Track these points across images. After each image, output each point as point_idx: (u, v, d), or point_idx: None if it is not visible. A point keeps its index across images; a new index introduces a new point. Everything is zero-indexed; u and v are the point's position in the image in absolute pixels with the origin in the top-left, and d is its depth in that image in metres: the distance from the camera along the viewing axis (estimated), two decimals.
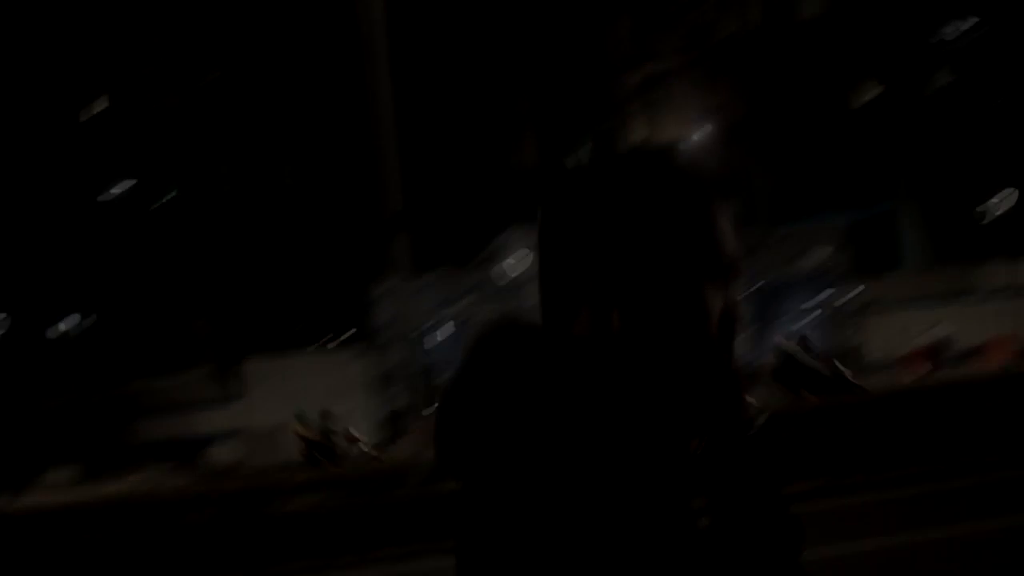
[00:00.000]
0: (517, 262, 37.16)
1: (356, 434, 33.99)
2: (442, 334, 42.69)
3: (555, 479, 1.62)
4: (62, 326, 47.56)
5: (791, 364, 31.11)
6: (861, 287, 39.54)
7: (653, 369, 1.67)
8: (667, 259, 1.69)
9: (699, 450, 1.66)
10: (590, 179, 1.78)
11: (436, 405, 1.77)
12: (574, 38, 54.29)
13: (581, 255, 1.72)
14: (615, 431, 1.63)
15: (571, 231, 1.74)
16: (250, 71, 50.63)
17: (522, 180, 51.67)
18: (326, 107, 49.79)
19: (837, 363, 31.59)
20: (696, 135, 50.23)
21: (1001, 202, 39.26)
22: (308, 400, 36.80)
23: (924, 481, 16.70)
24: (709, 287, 1.71)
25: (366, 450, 33.16)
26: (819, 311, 42.44)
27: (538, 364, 1.69)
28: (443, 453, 1.74)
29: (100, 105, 51.74)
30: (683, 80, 55.51)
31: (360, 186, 45.50)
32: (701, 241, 1.72)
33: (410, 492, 22.94)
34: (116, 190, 49.51)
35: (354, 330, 45.15)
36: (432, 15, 49.99)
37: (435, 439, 1.75)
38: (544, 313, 1.77)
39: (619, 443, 1.63)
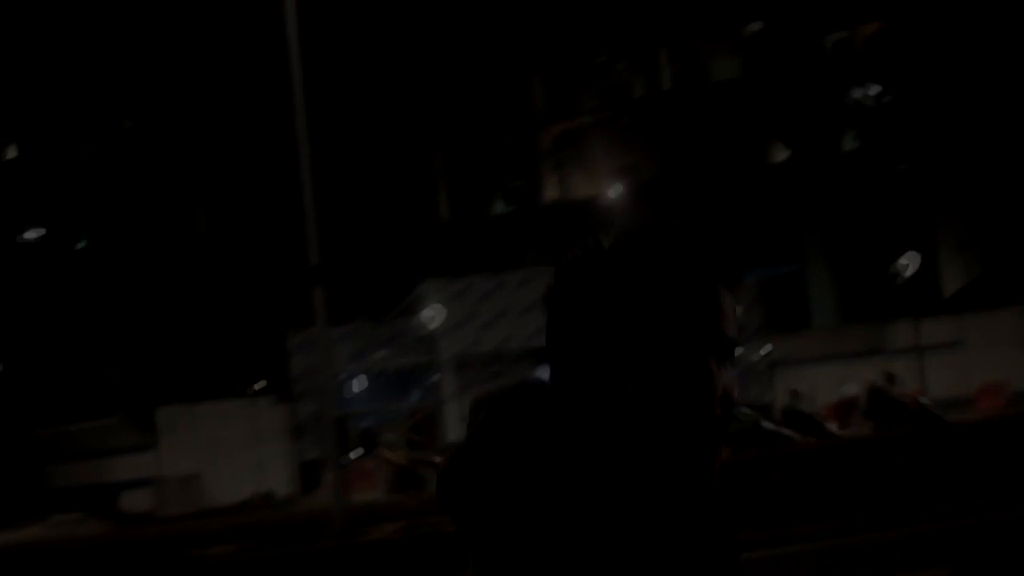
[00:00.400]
0: (432, 314, 37.28)
1: None
2: (357, 385, 42.65)
3: (565, 531, 1.73)
4: None
5: (880, 399, 33.17)
6: (771, 345, 40.13)
7: (663, 435, 1.79)
8: (679, 337, 1.81)
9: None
10: (606, 260, 1.87)
11: (449, 461, 1.86)
12: (488, 96, 54.76)
13: (599, 329, 1.82)
14: (626, 490, 1.75)
15: (587, 308, 1.84)
16: (167, 122, 50.45)
17: (436, 234, 51.90)
18: (243, 159, 49.72)
19: (920, 397, 33.78)
20: (608, 193, 50.77)
21: (907, 264, 40.17)
22: (221, 448, 36.52)
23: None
24: (714, 363, 1.83)
25: None
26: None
27: (552, 427, 1.80)
28: (457, 506, 1.83)
29: (10, 153, 51.30)
30: (595, 139, 56.19)
31: (278, 238, 45.44)
32: (709, 321, 1.83)
33: (327, 541, 22.91)
34: (27, 237, 48.99)
35: (265, 380, 44.92)
36: (350, 72, 50.19)
37: (450, 493, 1.84)
38: (559, 381, 1.87)
39: (629, 499, 1.75)
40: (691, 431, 1.81)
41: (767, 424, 33.30)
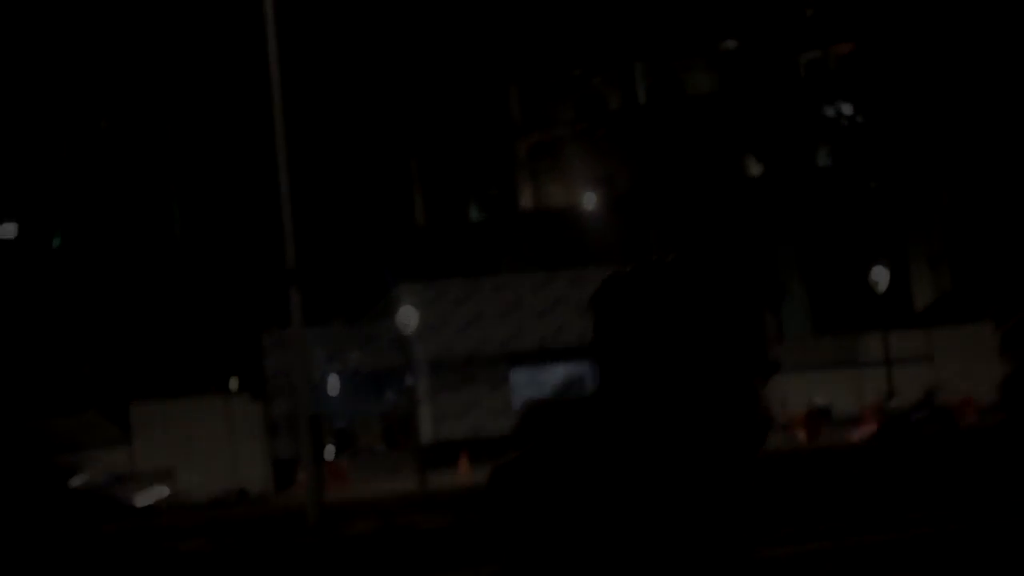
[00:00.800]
0: (407, 317, 37.43)
1: None
2: (332, 385, 42.79)
3: (611, 532, 1.82)
4: None
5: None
6: None
7: (709, 448, 1.88)
8: (732, 356, 1.89)
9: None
10: (669, 275, 1.92)
11: (503, 466, 1.93)
12: (466, 105, 54.99)
13: (656, 342, 1.88)
14: (669, 496, 1.85)
15: (644, 320, 1.90)
16: (144, 123, 50.45)
17: (412, 239, 52.08)
18: (221, 161, 49.77)
19: None
20: (582, 203, 51.08)
21: (878, 278, 40.58)
22: (194, 445, 36.56)
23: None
24: (759, 383, 1.92)
25: None
26: None
27: (601, 435, 1.89)
28: (509, 510, 1.90)
29: None
30: (571, 150, 56.50)
31: (255, 239, 45.52)
32: (757, 343, 1.92)
33: (302, 537, 23.03)
34: (1, 235, 48.88)
35: (240, 379, 44.98)
36: (329, 78, 50.34)
37: (503, 497, 1.90)
38: (608, 386, 1.94)
39: (671, 504, 1.85)
40: (735, 444, 1.90)
41: None
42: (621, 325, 1.91)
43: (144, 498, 32.40)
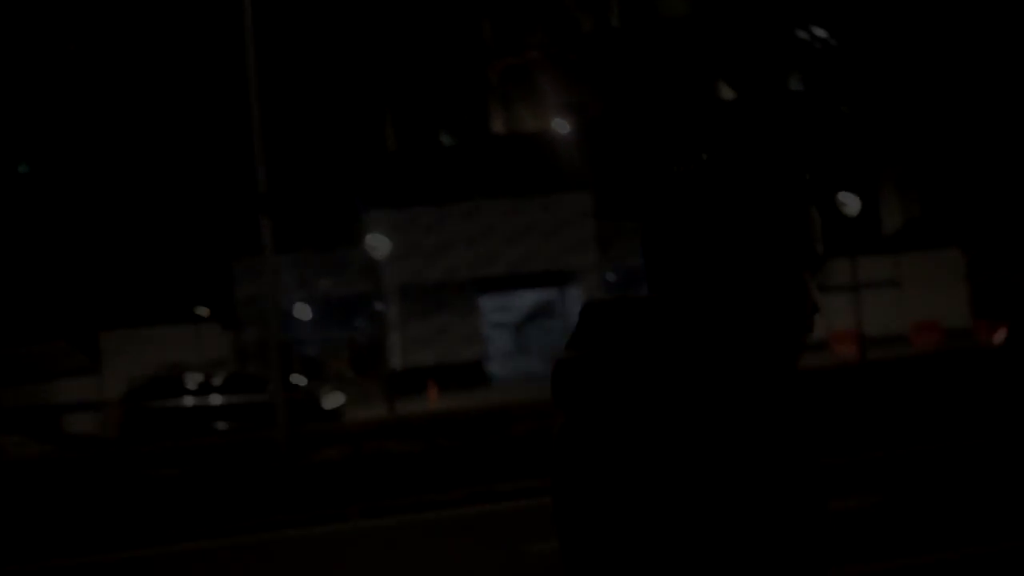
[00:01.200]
0: (377, 244, 37.39)
1: None
2: (302, 312, 42.85)
3: (667, 427, 1.82)
4: None
5: None
6: None
7: (761, 341, 1.91)
8: (779, 250, 1.92)
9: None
10: (711, 175, 1.96)
11: (564, 360, 1.95)
12: (437, 29, 54.64)
13: (702, 242, 1.92)
14: (722, 389, 1.85)
15: (690, 222, 1.93)
16: (115, 47, 50.03)
17: (382, 165, 51.90)
18: (191, 88, 49.43)
19: None
20: (554, 128, 50.93)
21: (846, 204, 40.67)
22: None
23: None
24: (808, 276, 1.95)
25: None
26: None
27: (657, 333, 1.91)
28: (570, 396, 1.93)
29: None
30: (543, 74, 56.25)
31: (225, 166, 45.35)
32: (804, 236, 1.95)
33: (274, 463, 23.18)
34: None
35: (210, 307, 44.97)
36: (300, 3, 49.94)
37: (564, 389, 1.93)
38: (660, 290, 1.97)
39: (724, 399, 1.85)
40: (787, 337, 1.93)
41: None
42: (669, 225, 1.95)
43: (330, 402, 33.39)
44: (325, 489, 18.67)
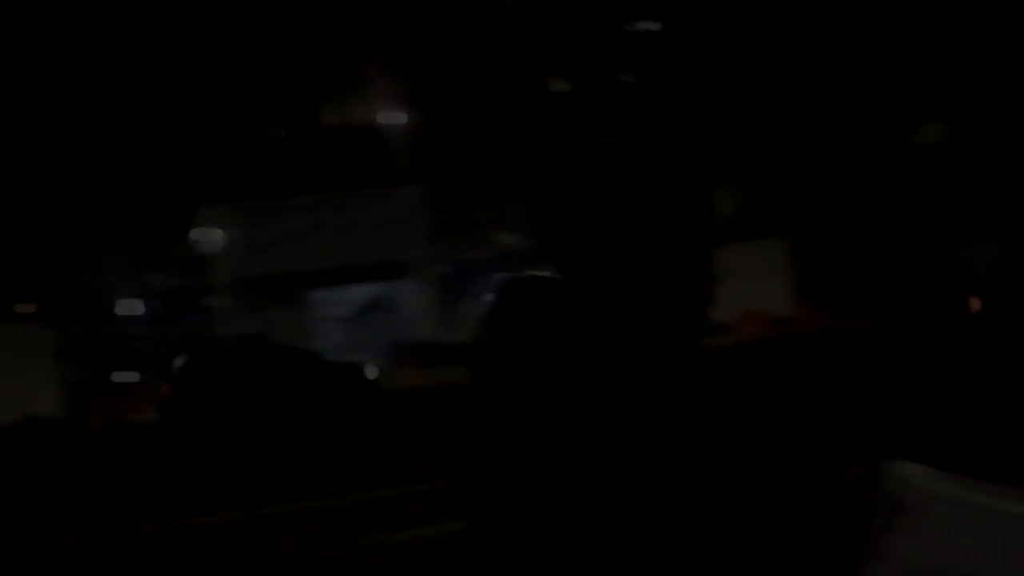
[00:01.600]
0: (208, 238, 36.93)
1: None
2: (132, 307, 42.06)
3: (574, 398, 1.87)
4: None
5: None
6: (546, 270, 40.87)
7: (667, 313, 1.97)
8: (685, 227, 1.98)
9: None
10: (617, 154, 2.01)
11: (477, 336, 2.00)
12: (268, 18, 54.06)
13: (610, 219, 1.96)
14: (631, 365, 1.89)
15: (599, 199, 1.97)
16: None
17: (212, 158, 51.18)
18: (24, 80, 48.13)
19: None
20: (386, 119, 50.79)
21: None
22: None
23: None
24: (711, 250, 2.01)
25: None
26: None
27: (565, 307, 1.95)
28: (486, 374, 1.97)
29: None
30: (375, 66, 56.02)
31: (55, 162, 44.25)
32: (705, 213, 2.01)
33: (94, 459, 22.72)
34: None
35: (36, 303, 43.88)
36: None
37: (476, 363, 1.99)
38: (571, 269, 2.00)
39: (631, 369, 1.89)
40: (690, 310, 2.00)
41: None
42: (576, 207, 1.99)
43: None
44: (148, 486, 18.33)
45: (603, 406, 1.86)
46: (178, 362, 30.53)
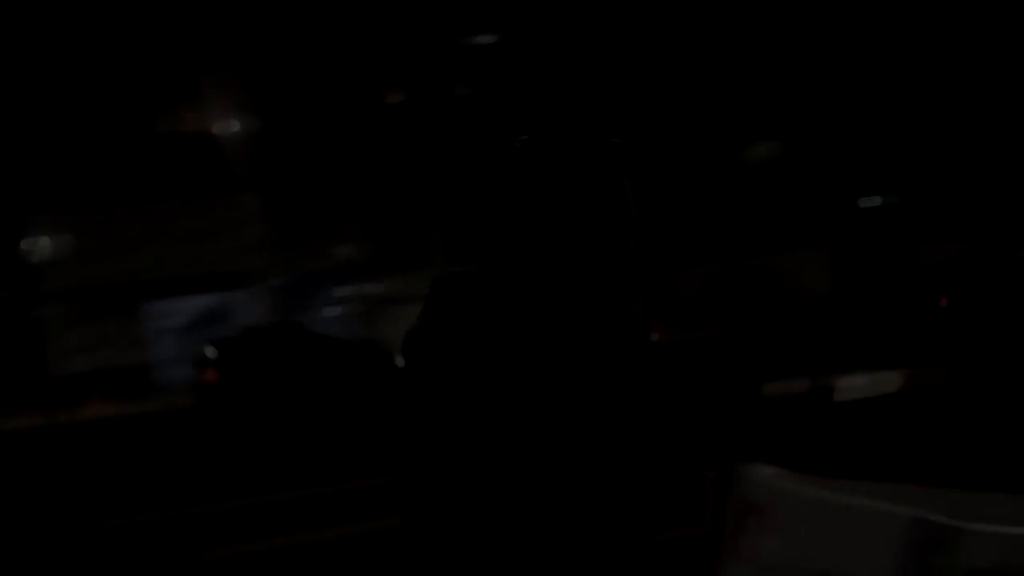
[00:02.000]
0: (39, 246, 36.16)
1: None
2: None
3: (506, 383, 1.94)
4: None
5: None
6: (386, 282, 40.78)
7: (595, 300, 2.03)
8: (607, 218, 2.04)
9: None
10: (537, 154, 2.07)
11: (412, 330, 2.06)
12: (100, 25, 53.07)
13: (536, 216, 2.03)
14: (561, 357, 1.96)
15: (522, 197, 2.04)
16: None
17: (44, 166, 50.07)
18: None
19: None
20: (221, 128, 50.23)
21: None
22: None
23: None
24: (632, 239, 2.08)
25: None
26: (345, 303, 43.53)
27: (494, 302, 2.02)
28: (421, 364, 2.03)
29: None
30: (214, 74, 55.30)
31: None
32: (622, 204, 2.07)
33: None
34: None
35: None
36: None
37: (411, 354, 2.05)
38: (497, 266, 2.07)
39: (563, 368, 1.95)
40: (616, 298, 2.04)
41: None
42: (499, 203, 2.05)
43: None
44: None
45: (519, 392, 1.92)
46: (211, 351, 30.37)
